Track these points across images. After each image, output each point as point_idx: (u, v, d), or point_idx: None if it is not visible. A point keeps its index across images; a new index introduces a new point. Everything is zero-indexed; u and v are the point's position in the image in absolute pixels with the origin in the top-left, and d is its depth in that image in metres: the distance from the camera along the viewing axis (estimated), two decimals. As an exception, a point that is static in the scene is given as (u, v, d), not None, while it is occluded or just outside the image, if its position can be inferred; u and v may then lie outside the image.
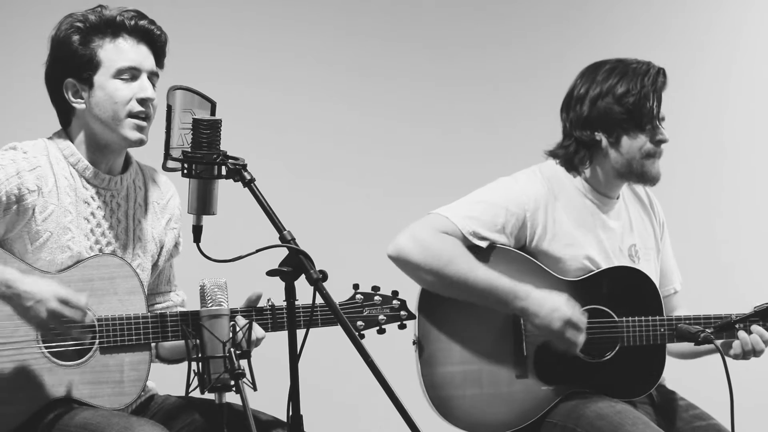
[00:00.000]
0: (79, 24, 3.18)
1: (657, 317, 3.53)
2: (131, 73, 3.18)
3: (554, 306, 3.43)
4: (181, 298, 3.45)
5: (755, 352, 3.54)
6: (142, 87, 3.18)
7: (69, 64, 3.18)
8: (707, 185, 5.30)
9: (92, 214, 3.22)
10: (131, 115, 3.17)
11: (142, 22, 3.21)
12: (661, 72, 3.58)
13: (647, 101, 3.53)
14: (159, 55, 3.25)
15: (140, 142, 3.21)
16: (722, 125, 5.35)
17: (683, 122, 5.07)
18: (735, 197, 5.33)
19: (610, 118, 3.54)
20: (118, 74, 3.17)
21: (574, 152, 3.60)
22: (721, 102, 5.35)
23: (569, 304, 3.44)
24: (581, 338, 3.44)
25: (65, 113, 3.24)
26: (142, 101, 3.17)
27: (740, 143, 5.37)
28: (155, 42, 3.23)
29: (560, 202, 3.58)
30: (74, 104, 3.20)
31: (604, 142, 3.56)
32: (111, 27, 3.18)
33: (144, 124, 3.19)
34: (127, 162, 3.31)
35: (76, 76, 3.18)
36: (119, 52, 3.17)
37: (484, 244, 3.50)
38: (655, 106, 3.55)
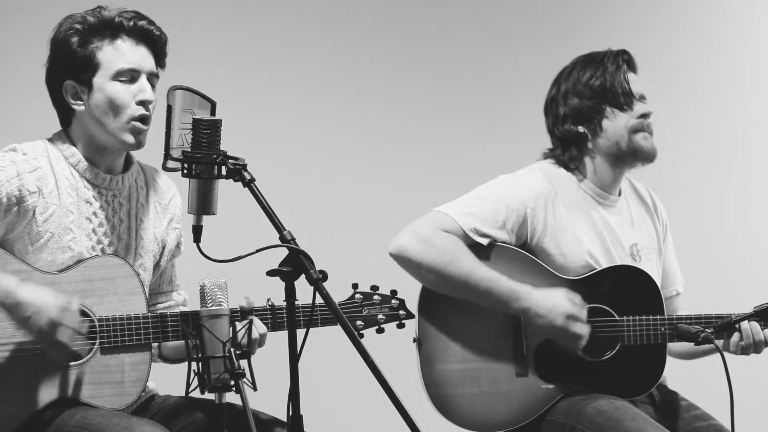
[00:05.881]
0: (77, 26, 3.16)
1: (657, 317, 3.53)
2: (130, 75, 3.17)
3: (555, 303, 3.44)
4: (183, 298, 3.45)
5: (755, 347, 3.53)
6: (141, 89, 3.17)
7: (68, 66, 3.17)
8: (708, 185, 5.29)
9: (94, 213, 3.21)
10: (131, 118, 3.17)
11: (141, 23, 3.19)
12: (620, 52, 3.63)
13: (613, 80, 3.58)
14: (159, 55, 3.23)
15: (138, 146, 3.20)
16: (721, 126, 5.35)
17: (681, 124, 5.09)
18: (735, 197, 5.33)
19: (584, 107, 3.59)
20: (117, 76, 3.16)
21: (563, 151, 3.63)
22: (725, 106, 5.35)
23: (568, 298, 3.45)
24: (585, 330, 3.45)
25: (65, 114, 3.23)
26: (141, 103, 3.17)
27: (740, 144, 5.36)
28: (155, 43, 3.21)
29: (560, 199, 3.59)
30: (74, 106, 3.19)
31: (588, 132, 3.59)
32: (110, 28, 3.17)
33: (143, 128, 3.18)
34: (128, 162, 3.30)
35: (75, 78, 3.17)
36: (118, 53, 3.16)
37: (485, 241, 3.51)
38: (624, 82, 3.58)
